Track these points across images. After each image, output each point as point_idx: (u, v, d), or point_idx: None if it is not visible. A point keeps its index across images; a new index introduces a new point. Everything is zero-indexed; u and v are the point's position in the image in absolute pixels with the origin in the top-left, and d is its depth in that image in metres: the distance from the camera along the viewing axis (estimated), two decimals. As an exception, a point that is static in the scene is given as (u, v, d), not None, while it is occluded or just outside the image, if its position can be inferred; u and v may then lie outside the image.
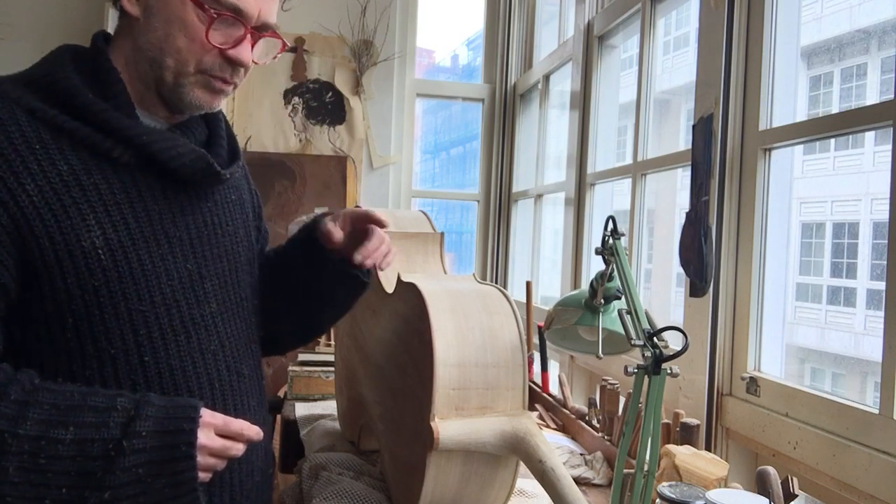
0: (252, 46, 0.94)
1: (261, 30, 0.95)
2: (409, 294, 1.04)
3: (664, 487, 1.00)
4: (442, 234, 1.29)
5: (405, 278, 1.08)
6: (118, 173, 0.89)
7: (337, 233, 1.03)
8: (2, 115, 0.83)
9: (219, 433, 0.84)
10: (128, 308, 0.88)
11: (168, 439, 0.79)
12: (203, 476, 0.83)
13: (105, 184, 0.88)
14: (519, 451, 0.97)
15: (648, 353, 0.90)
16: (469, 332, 0.99)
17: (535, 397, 1.93)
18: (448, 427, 0.94)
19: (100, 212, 0.86)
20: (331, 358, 1.93)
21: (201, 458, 0.81)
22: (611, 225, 1.09)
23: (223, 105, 1.01)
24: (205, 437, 0.82)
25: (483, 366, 0.98)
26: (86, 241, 0.85)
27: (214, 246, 0.99)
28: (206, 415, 0.83)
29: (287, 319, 1.15)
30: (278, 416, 1.90)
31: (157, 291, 0.91)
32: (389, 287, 1.15)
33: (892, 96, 1.16)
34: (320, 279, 1.09)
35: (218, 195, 1.02)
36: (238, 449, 0.85)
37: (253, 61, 0.96)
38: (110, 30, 0.99)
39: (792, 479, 1.03)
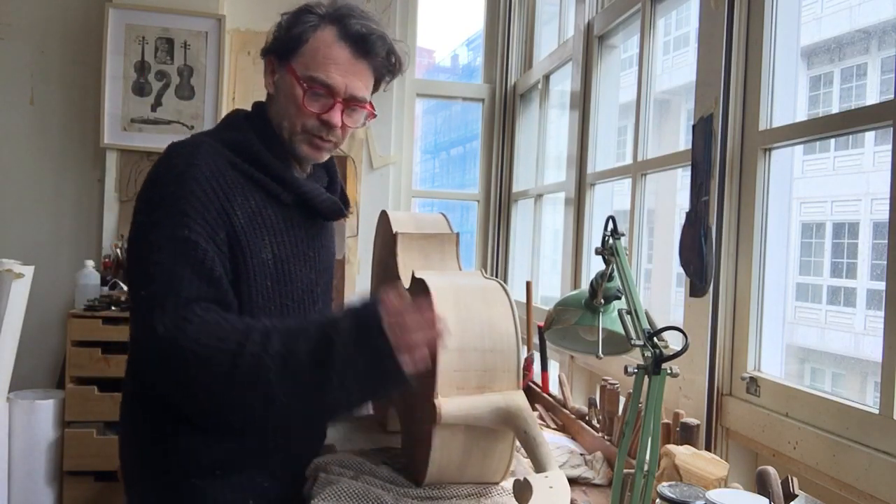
0: (342, 113, 1.23)
1: (349, 101, 1.23)
2: (420, 289, 1.17)
3: (664, 487, 1.00)
4: (457, 234, 1.43)
5: (418, 275, 1.21)
6: (281, 209, 1.24)
7: None
8: (219, 165, 1.17)
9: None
10: (281, 302, 1.22)
11: (361, 320, 1.03)
12: (408, 357, 1.00)
13: (274, 216, 1.22)
14: (510, 423, 1.10)
15: (648, 353, 0.90)
16: (469, 322, 1.12)
17: (535, 397, 1.93)
18: (449, 404, 1.07)
19: (270, 235, 1.21)
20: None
21: (395, 334, 1.00)
22: (611, 225, 1.09)
23: (326, 155, 1.32)
24: (390, 315, 1.01)
25: (481, 351, 1.11)
26: (264, 254, 1.20)
27: (324, 261, 1.34)
28: (390, 298, 1.03)
29: None
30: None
31: (297, 291, 1.26)
32: (406, 283, 1.28)
33: (892, 96, 1.16)
34: None
35: (327, 227, 1.38)
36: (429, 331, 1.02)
37: (346, 125, 1.25)
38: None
39: (792, 479, 1.03)
